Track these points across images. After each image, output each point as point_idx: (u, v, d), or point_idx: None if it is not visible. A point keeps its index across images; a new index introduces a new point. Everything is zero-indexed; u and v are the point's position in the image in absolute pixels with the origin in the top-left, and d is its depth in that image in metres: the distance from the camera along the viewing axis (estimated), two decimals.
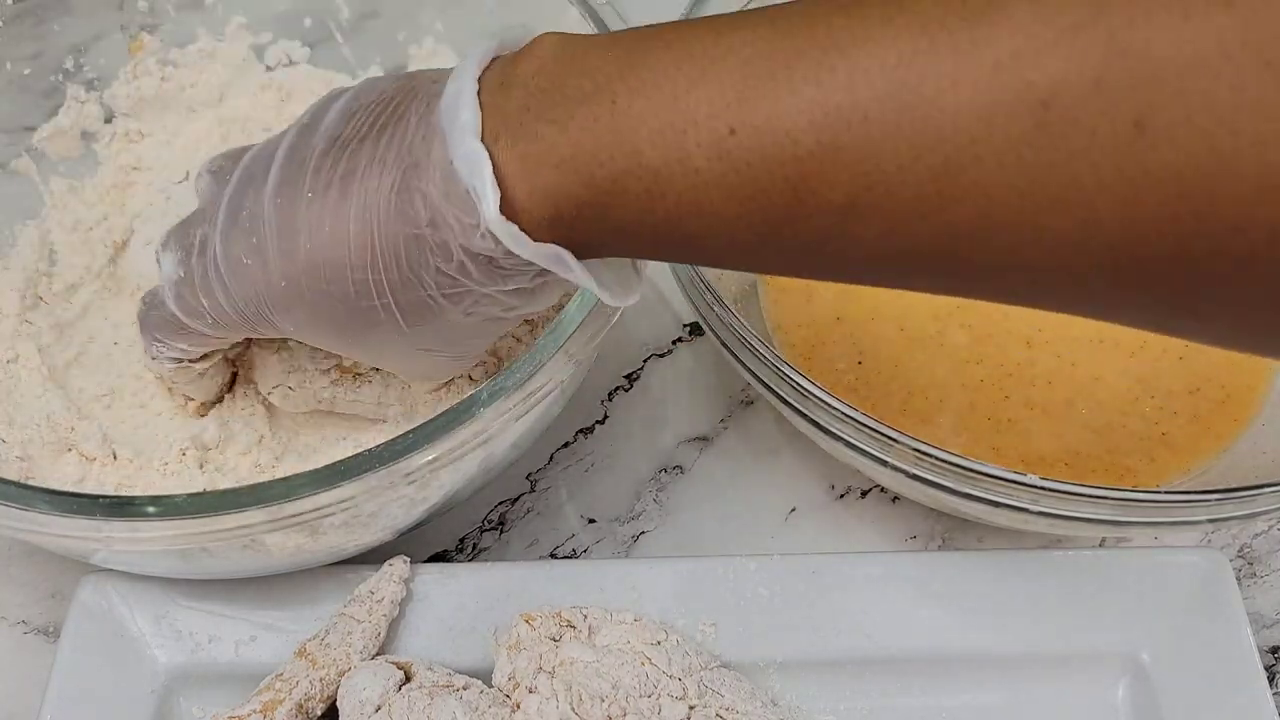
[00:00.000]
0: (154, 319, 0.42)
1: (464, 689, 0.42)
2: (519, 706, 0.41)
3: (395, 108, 0.35)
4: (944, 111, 0.26)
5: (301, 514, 0.37)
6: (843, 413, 0.42)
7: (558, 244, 0.32)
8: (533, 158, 0.31)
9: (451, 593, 0.45)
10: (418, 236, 0.34)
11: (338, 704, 0.42)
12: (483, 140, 0.32)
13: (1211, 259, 0.25)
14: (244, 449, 0.46)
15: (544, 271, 0.34)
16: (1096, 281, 0.27)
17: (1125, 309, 0.28)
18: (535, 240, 0.32)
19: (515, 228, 0.32)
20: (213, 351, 0.43)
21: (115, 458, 0.46)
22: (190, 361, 0.43)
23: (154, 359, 0.44)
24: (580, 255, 0.33)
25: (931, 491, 0.43)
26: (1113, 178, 0.24)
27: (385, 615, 0.44)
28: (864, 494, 0.53)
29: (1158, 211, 0.24)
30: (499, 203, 0.31)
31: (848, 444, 0.43)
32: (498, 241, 0.32)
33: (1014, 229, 0.26)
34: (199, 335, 0.41)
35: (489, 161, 0.31)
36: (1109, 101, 0.24)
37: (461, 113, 0.32)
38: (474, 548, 0.51)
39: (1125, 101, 0.24)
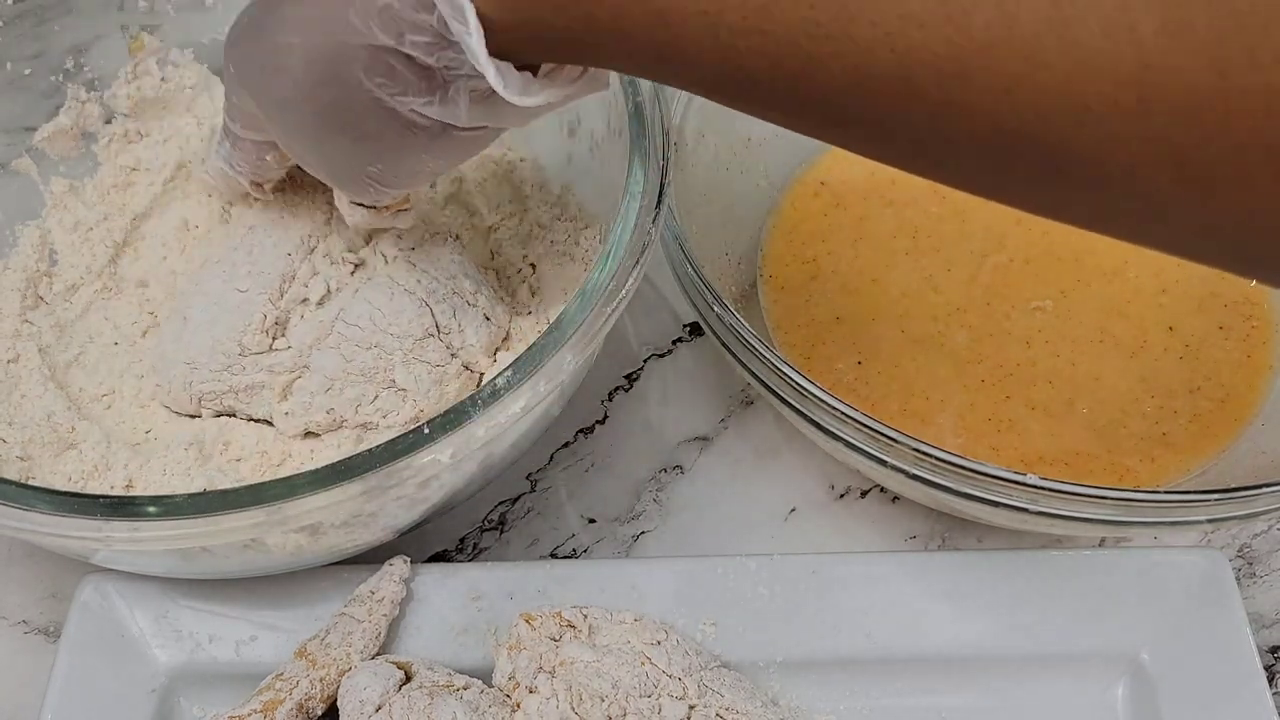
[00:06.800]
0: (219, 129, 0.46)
1: (464, 689, 0.42)
2: (519, 706, 0.41)
3: None
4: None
5: (301, 514, 0.37)
6: (843, 413, 0.42)
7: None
8: None
9: (451, 593, 0.45)
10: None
11: (338, 704, 0.42)
12: None
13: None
14: (244, 449, 0.46)
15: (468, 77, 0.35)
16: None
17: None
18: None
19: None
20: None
21: (115, 458, 0.46)
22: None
23: (206, 173, 0.48)
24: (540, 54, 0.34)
25: (931, 491, 0.43)
26: None
27: (385, 615, 0.44)
28: (864, 494, 0.53)
29: None
30: None
31: (848, 444, 0.43)
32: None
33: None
34: (236, 139, 0.45)
35: None
36: None
37: None
38: (474, 548, 0.51)
39: None
